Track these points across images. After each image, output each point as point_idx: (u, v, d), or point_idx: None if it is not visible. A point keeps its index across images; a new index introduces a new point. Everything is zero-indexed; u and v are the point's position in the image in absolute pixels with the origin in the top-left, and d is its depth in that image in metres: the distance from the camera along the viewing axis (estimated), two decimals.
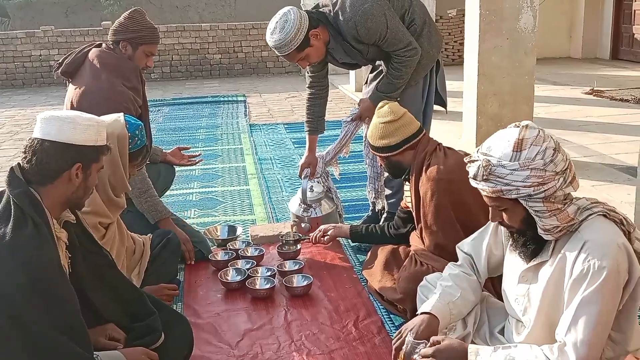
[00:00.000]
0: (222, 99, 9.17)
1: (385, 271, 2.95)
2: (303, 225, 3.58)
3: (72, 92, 3.41)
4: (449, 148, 2.86)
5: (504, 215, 1.92)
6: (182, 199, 4.62)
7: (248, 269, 3.23)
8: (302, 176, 3.65)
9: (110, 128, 2.70)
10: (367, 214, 3.88)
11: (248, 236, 3.81)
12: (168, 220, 3.39)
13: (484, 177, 1.85)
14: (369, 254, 3.26)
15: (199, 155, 4.09)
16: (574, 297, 1.83)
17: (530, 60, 4.87)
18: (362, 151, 3.83)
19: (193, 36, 11.77)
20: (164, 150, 3.89)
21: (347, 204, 4.17)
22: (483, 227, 2.27)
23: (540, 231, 1.87)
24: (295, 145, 6.13)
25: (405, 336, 2.14)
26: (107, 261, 2.37)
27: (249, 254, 3.46)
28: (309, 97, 3.67)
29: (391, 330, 2.70)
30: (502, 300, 2.22)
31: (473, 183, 1.91)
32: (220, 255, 3.46)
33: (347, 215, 3.96)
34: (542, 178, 1.80)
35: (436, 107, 3.64)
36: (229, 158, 5.82)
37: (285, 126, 7.08)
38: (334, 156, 3.68)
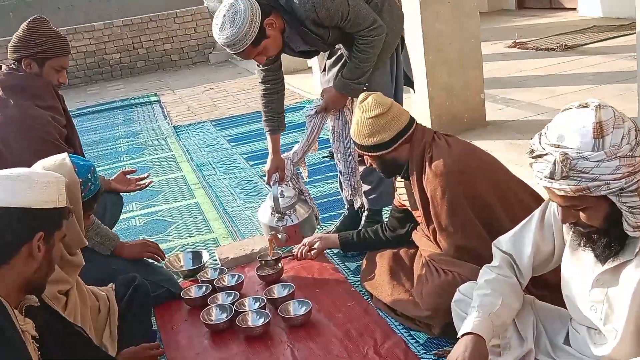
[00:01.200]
0: (132, 101, 8.46)
1: (394, 281, 2.62)
2: (280, 236, 3.18)
3: None
4: (447, 135, 2.54)
5: (582, 215, 1.60)
6: (125, 226, 4.07)
7: (232, 303, 2.80)
8: (271, 182, 3.24)
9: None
10: (343, 213, 3.52)
11: (216, 260, 3.36)
12: (123, 244, 2.93)
13: (564, 175, 1.52)
14: (365, 262, 2.91)
15: (148, 176, 3.57)
16: None
17: (474, 23, 4.62)
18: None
19: (86, 37, 10.86)
20: (105, 178, 3.35)
21: (317, 202, 3.78)
22: (524, 221, 1.96)
23: (627, 228, 1.58)
24: (232, 144, 5.66)
25: None
26: (83, 340, 1.91)
27: (226, 284, 3.02)
28: (264, 94, 3.23)
29: (419, 352, 2.38)
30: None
31: (545, 183, 1.58)
32: (194, 291, 3.00)
33: (321, 216, 3.58)
34: (632, 166, 1.50)
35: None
36: (163, 169, 5.28)
37: (214, 123, 6.56)
38: (302, 156, 3.28)
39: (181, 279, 3.21)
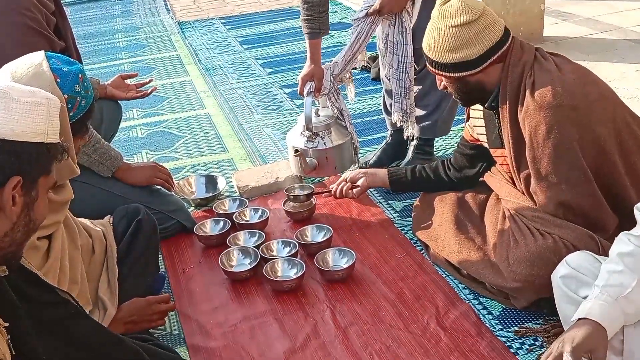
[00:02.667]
0: None
1: (461, 235, 2.11)
2: (308, 160, 2.64)
3: None
4: (553, 54, 1.95)
5: None
6: (124, 137, 3.51)
7: (257, 247, 2.31)
8: (304, 93, 2.66)
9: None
10: (385, 140, 2.97)
11: (233, 188, 2.85)
12: (128, 165, 2.42)
13: None
14: (418, 204, 2.40)
15: (150, 81, 2.97)
16: None
17: None
18: None
19: None
20: (101, 82, 2.75)
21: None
22: None
23: None
24: (245, 46, 5.00)
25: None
26: (68, 310, 1.42)
27: (248, 219, 2.52)
28: None
29: (494, 327, 1.91)
30: None
31: None
32: (209, 227, 2.49)
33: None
34: None
35: None
36: (167, 71, 4.64)
37: (223, 21, 5.84)
38: (346, 67, 2.67)
39: (192, 209, 2.70)
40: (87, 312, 1.77)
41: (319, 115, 2.69)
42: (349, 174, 2.46)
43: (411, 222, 2.42)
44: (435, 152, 2.88)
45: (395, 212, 2.57)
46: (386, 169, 2.44)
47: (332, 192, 2.47)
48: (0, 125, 1.08)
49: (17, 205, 1.10)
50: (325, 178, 2.84)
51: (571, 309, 1.55)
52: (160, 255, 2.33)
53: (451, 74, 1.92)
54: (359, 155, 2.85)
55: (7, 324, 1.14)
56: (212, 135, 3.46)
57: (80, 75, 1.74)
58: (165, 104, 3.98)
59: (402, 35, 2.53)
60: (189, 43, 5.24)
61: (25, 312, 1.26)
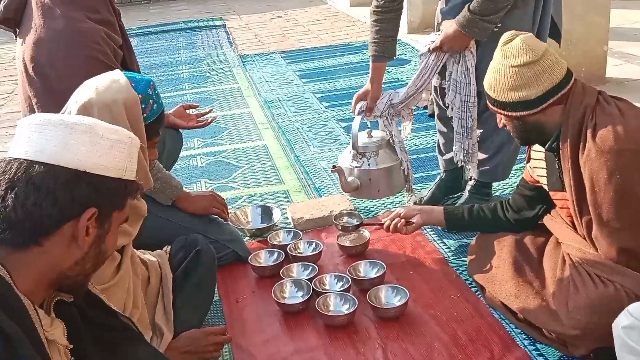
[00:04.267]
0: (196, 24, 7.93)
1: (519, 278, 2.06)
2: (350, 179, 2.63)
3: (20, 48, 2.34)
4: (616, 98, 1.92)
5: None
6: (184, 166, 3.61)
7: (310, 280, 2.32)
8: (356, 111, 2.68)
9: (108, 94, 1.72)
10: (439, 176, 2.95)
11: (287, 218, 2.88)
12: (188, 194, 2.49)
13: None
14: (474, 243, 2.36)
15: (210, 112, 3.06)
16: None
17: None
18: None
19: None
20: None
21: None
22: None
23: None
24: (303, 80, 5.09)
25: None
26: (128, 335, 1.45)
27: (302, 252, 2.53)
28: (375, 10, 2.61)
29: None
30: None
31: None
32: (263, 258, 2.52)
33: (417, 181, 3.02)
34: None
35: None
36: (228, 102, 4.77)
37: (283, 55, 5.98)
38: (407, 100, 2.67)
39: (247, 239, 2.74)
40: (149, 339, 1.83)
41: (371, 137, 2.69)
42: (403, 209, 2.45)
43: (466, 262, 2.38)
44: (493, 193, 2.84)
45: (450, 251, 2.54)
46: (442, 207, 2.42)
47: (385, 226, 2.45)
48: (84, 158, 1.13)
49: (90, 236, 1.15)
50: (380, 213, 2.84)
51: (632, 359, 1.50)
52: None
53: (510, 113, 1.91)
54: (412, 184, 2.80)
55: (72, 346, 1.18)
56: (269, 166, 3.52)
57: (151, 83, 1.88)
58: (224, 134, 4.08)
59: (464, 74, 2.52)
60: (249, 76, 5.38)
61: (88, 334, 1.30)
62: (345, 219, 2.61)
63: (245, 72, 5.50)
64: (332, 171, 2.69)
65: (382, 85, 2.71)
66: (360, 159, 2.65)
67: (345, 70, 5.26)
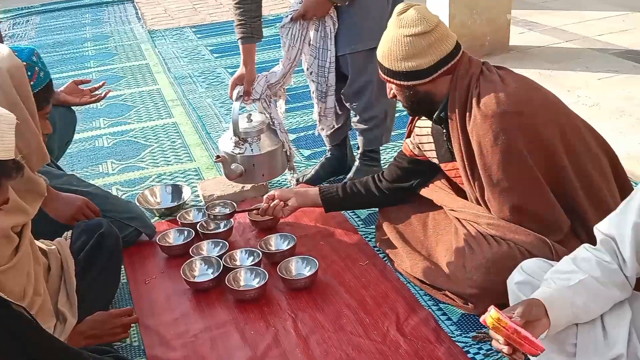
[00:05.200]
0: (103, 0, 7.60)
1: (417, 250, 2.14)
2: (233, 166, 2.59)
3: None
4: (498, 67, 1.99)
5: None
6: (90, 147, 3.49)
7: (220, 256, 2.30)
8: (234, 97, 2.62)
9: None
10: (324, 155, 2.96)
11: (198, 197, 2.84)
12: (54, 194, 2.15)
13: None
14: (380, 214, 2.41)
15: (103, 85, 2.90)
16: None
17: None
18: None
19: None
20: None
21: (296, 134, 3.28)
22: (627, 199, 1.47)
23: None
24: (215, 55, 5.00)
25: None
26: (22, 324, 1.40)
27: (212, 229, 2.51)
28: None
29: (452, 333, 1.93)
30: None
31: None
32: (172, 237, 2.48)
33: (300, 160, 3.04)
34: None
35: None
36: (136, 80, 4.61)
37: (194, 30, 5.83)
38: (282, 79, 2.64)
39: (156, 219, 2.69)
40: (52, 325, 1.77)
41: (251, 121, 2.66)
42: (279, 192, 2.42)
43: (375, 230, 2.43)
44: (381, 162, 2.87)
45: (360, 220, 2.58)
46: (318, 187, 2.42)
47: (261, 210, 2.42)
48: None
49: None
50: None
51: None
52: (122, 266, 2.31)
53: (402, 82, 1.95)
54: (294, 163, 2.80)
55: None
56: (179, 144, 3.45)
57: (35, 52, 1.86)
58: (132, 113, 3.95)
59: (323, 40, 2.55)
60: (158, 52, 5.22)
61: None
62: (217, 209, 2.54)
63: (154, 48, 5.34)
64: (215, 161, 2.64)
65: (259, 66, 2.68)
66: (242, 145, 2.60)
67: (258, 44, 5.17)
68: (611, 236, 1.48)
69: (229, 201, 2.59)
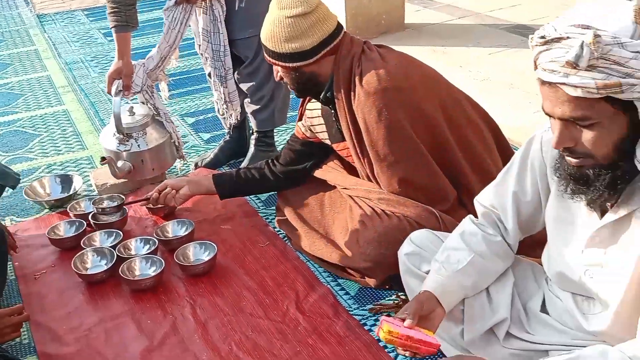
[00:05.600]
0: None
1: (314, 230, 2.15)
2: (120, 164, 2.52)
3: None
4: (379, 46, 2.02)
5: (587, 135, 1.16)
6: None
7: (114, 247, 2.22)
8: (113, 92, 2.51)
9: None
10: (223, 139, 2.92)
11: (91, 186, 2.72)
12: None
13: (592, 62, 1.08)
14: (279, 196, 2.40)
15: None
16: None
17: None
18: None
19: None
20: None
21: (193, 119, 3.21)
22: (505, 169, 1.53)
23: None
24: (109, 38, 4.79)
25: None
26: None
27: (105, 220, 2.41)
28: None
29: (350, 307, 1.95)
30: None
31: (557, 78, 1.11)
32: (63, 229, 2.37)
33: (199, 144, 2.99)
34: None
35: None
36: (24, 66, 4.36)
37: (86, 13, 5.57)
38: (160, 63, 2.57)
39: (46, 211, 2.56)
40: None
41: (134, 114, 2.57)
42: (172, 181, 2.36)
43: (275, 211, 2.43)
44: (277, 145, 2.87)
45: (260, 202, 2.56)
46: (211, 175, 2.37)
47: (152, 199, 2.34)
48: None
49: None
50: None
51: (416, 282, 1.62)
52: (10, 262, 2.20)
53: (287, 64, 1.94)
54: (183, 151, 2.75)
55: None
56: (70, 132, 3.29)
57: None
58: (20, 101, 3.74)
59: (213, 23, 2.51)
60: (48, 37, 4.96)
61: None
62: (105, 202, 2.44)
63: (44, 33, 5.06)
64: (101, 164, 2.54)
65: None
66: (128, 141, 2.52)
67: (154, 25, 5.02)
68: (492, 208, 1.54)
69: (116, 194, 2.48)
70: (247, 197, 2.58)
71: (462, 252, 1.52)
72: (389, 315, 1.80)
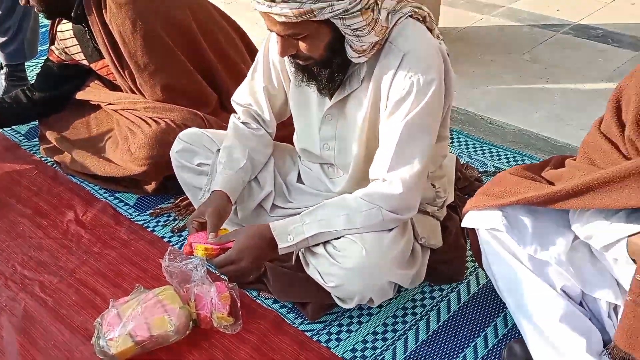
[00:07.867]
0: None
1: (86, 150, 2.20)
2: None
3: None
4: None
5: (303, 44, 1.42)
6: None
7: None
8: None
9: None
10: None
11: None
12: None
13: None
14: (40, 125, 2.37)
15: None
16: (395, 122, 1.53)
17: None
18: None
19: None
20: None
21: None
22: (252, 68, 1.74)
23: (352, 55, 1.45)
24: None
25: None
26: None
27: None
28: None
29: (132, 215, 2.07)
30: None
31: (263, 8, 1.34)
32: None
33: None
34: None
35: None
36: None
37: None
38: None
39: None
40: None
41: None
42: None
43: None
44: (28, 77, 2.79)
45: (20, 135, 2.48)
46: None
47: None
48: None
49: None
50: None
51: (189, 175, 1.79)
52: None
53: None
54: None
55: None
56: None
57: None
58: None
59: None
60: None
61: None
62: None
63: None
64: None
65: None
66: None
67: None
68: (249, 105, 1.75)
69: None
70: (4, 130, 2.48)
71: (239, 150, 1.70)
72: (174, 220, 1.96)
